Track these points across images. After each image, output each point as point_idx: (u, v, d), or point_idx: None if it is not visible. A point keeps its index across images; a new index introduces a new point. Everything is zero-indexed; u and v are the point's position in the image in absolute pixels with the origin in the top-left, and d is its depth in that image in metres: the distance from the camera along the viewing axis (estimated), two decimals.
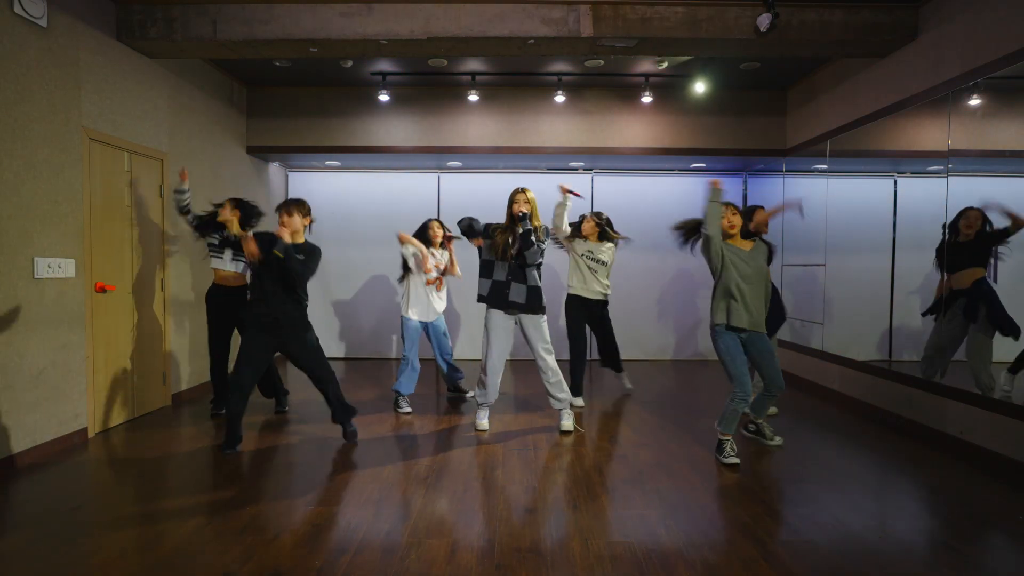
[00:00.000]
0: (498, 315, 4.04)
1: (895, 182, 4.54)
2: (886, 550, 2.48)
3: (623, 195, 7.01)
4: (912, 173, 4.47)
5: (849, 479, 3.29)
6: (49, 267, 3.55)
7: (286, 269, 3.47)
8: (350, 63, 5.39)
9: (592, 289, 4.80)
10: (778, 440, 3.83)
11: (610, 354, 5.15)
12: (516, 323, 4.08)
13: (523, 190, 3.94)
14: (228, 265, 4.30)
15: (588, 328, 4.97)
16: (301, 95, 6.20)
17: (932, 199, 4.00)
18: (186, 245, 5.02)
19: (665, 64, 5.38)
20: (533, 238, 3.87)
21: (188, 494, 3.01)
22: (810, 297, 5.60)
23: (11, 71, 3.32)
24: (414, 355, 4.65)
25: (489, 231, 4.01)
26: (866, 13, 4.16)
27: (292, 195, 7.17)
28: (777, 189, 6.39)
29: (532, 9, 4.10)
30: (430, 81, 6.01)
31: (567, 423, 4.11)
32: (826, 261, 5.34)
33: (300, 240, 3.67)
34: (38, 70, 3.50)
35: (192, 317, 5.12)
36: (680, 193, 7.00)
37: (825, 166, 5.40)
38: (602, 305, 4.94)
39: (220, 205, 4.34)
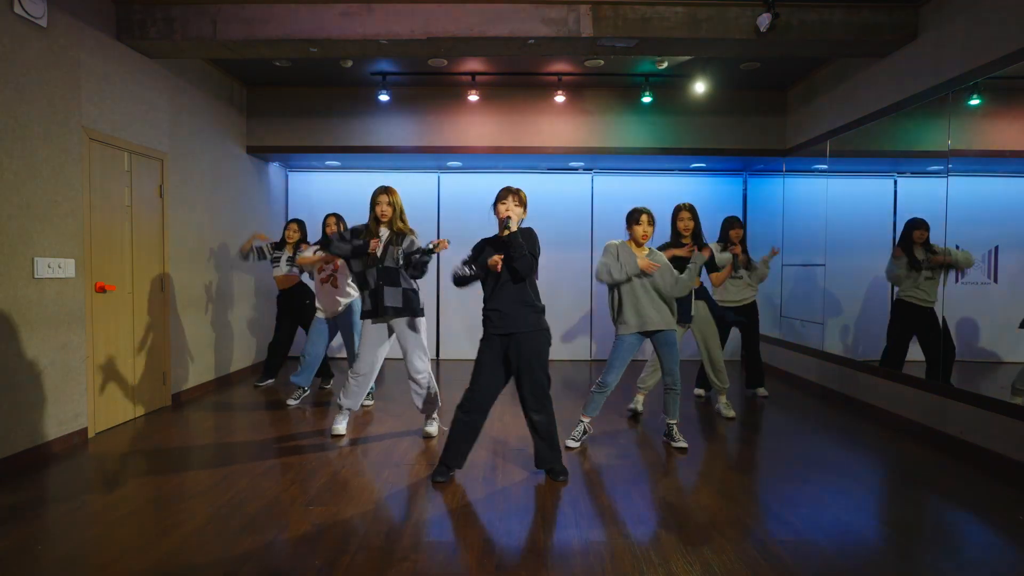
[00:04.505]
0: (370, 325, 3.83)
1: (895, 182, 4.54)
2: (886, 550, 2.48)
3: (623, 195, 7.00)
4: (912, 173, 4.47)
5: (849, 479, 3.29)
6: (49, 267, 3.55)
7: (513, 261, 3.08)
8: (350, 63, 5.39)
9: (739, 296, 5.04)
10: (682, 443, 3.74)
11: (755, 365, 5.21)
12: (391, 331, 3.89)
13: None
14: (283, 270, 5.19)
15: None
16: (301, 95, 6.19)
17: (932, 199, 4.00)
18: (187, 245, 5.03)
19: (665, 64, 5.38)
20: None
21: (188, 494, 3.01)
22: (810, 297, 5.61)
23: (11, 71, 3.32)
24: (312, 349, 4.73)
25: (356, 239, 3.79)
26: (866, 13, 4.16)
27: (292, 196, 7.18)
28: (777, 189, 6.39)
29: (532, 9, 4.10)
30: (430, 81, 6.01)
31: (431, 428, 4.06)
32: (826, 261, 5.34)
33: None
34: (38, 70, 3.50)
35: (192, 317, 5.12)
36: (680, 193, 6.99)
37: (825, 166, 5.40)
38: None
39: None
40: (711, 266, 4.45)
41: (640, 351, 3.99)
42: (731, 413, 4.54)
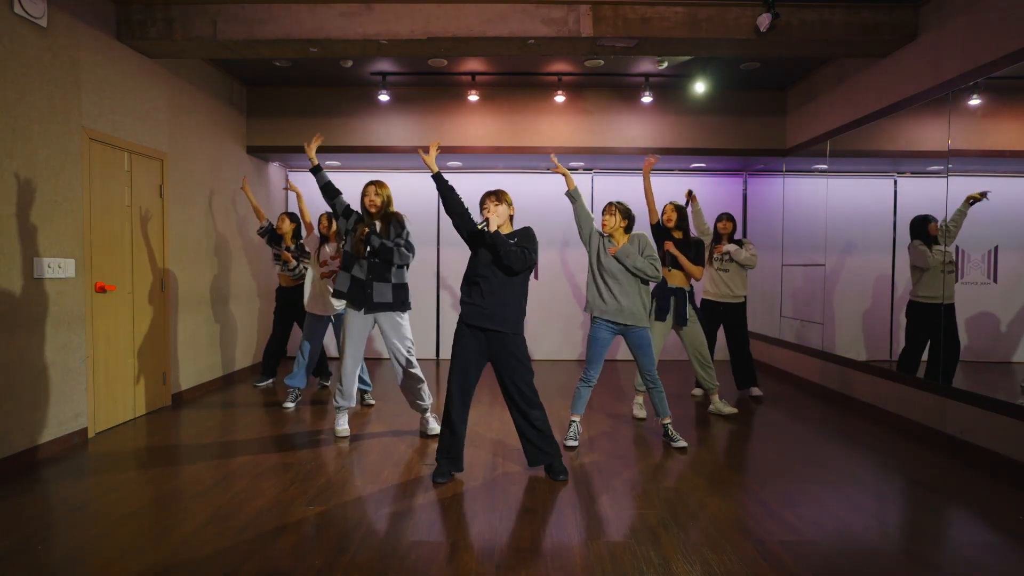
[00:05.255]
0: (355, 315, 3.84)
1: (895, 182, 4.54)
2: (886, 550, 2.48)
3: (623, 195, 6.89)
4: (912, 173, 4.47)
5: (849, 479, 3.29)
6: (49, 267, 3.55)
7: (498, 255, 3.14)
8: (350, 63, 5.39)
9: (722, 292, 5.06)
10: (682, 443, 3.77)
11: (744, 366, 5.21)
12: (375, 322, 3.89)
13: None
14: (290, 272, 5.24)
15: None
16: (301, 95, 6.19)
17: (932, 199, 4.00)
18: (187, 245, 5.02)
19: (665, 64, 5.38)
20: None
21: (188, 494, 3.01)
22: (810, 297, 5.60)
23: (11, 71, 3.32)
24: (307, 347, 4.78)
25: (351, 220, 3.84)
26: (866, 13, 4.16)
27: (292, 195, 7.16)
28: (777, 189, 6.39)
29: (532, 9, 4.10)
30: (430, 81, 6.01)
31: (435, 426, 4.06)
32: (826, 261, 5.34)
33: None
34: (38, 70, 3.50)
35: (192, 317, 5.12)
36: (680, 193, 6.99)
37: (825, 166, 5.40)
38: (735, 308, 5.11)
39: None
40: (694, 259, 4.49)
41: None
42: (730, 409, 4.57)
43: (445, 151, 6.24)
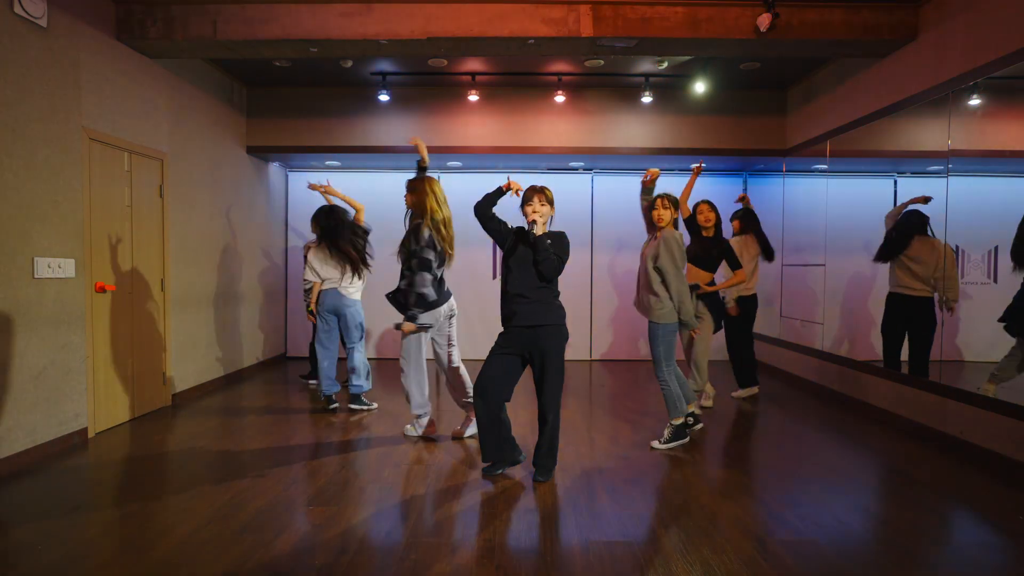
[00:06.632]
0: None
1: (895, 182, 4.54)
2: (886, 550, 2.48)
3: (623, 195, 7.01)
4: (912, 173, 4.47)
5: (849, 479, 3.29)
6: (49, 267, 3.55)
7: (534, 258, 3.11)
8: (350, 63, 5.39)
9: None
10: (653, 441, 3.81)
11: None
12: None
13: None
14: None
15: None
16: (301, 95, 6.19)
17: (932, 199, 4.00)
18: (187, 245, 5.03)
19: (665, 64, 5.38)
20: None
21: (188, 494, 3.01)
22: (810, 297, 5.60)
23: (11, 71, 3.32)
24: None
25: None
26: (866, 13, 4.16)
27: (292, 196, 7.17)
28: (777, 189, 6.39)
29: (532, 9, 4.10)
30: (430, 81, 6.01)
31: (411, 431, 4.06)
32: (826, 261, 5.34)
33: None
34: (38, 70, 3.50)
35: (192, 317, 5.12)
36: (680, 193, 6.98)
37: (825, 166, 5.40)
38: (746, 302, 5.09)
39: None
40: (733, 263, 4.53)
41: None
42: (698, 411, 4.43)
43: (445, 151, 6.24)
